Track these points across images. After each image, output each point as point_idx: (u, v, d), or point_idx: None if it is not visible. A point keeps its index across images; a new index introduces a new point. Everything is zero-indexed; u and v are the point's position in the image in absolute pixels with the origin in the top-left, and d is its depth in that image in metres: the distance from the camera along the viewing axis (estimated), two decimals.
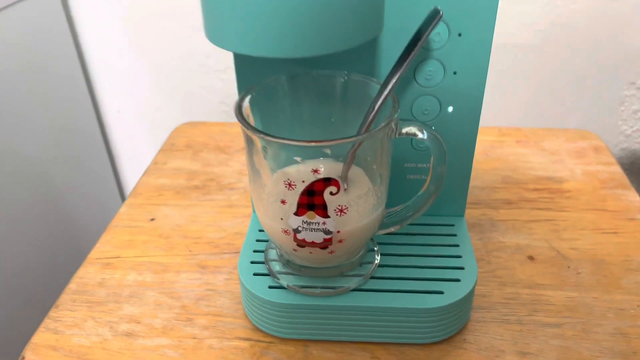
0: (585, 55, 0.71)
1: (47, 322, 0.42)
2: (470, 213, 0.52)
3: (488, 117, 0.68)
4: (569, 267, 0.46)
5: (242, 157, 0.62)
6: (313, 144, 0.30)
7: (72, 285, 0.45)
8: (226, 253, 0.48)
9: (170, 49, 0.79)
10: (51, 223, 0.75)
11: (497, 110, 0.76)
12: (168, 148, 0.65)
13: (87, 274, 0.47)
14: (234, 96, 0.82)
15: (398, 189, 0.43)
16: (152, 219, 0.53)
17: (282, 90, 0.38)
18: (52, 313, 0.43)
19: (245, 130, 0.33)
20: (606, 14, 0.67)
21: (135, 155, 0.91)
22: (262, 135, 0.31)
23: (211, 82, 0.81)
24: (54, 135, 0.76)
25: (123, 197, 0.96)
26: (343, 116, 0.39)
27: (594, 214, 0.52)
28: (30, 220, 0.71)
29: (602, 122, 0.76)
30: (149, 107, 0.85)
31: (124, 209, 0.55)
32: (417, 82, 0.39)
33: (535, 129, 0.66)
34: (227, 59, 0.79)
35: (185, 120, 0.78)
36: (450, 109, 0.40)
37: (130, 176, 0.94)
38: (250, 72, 0.39)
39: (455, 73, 0.38)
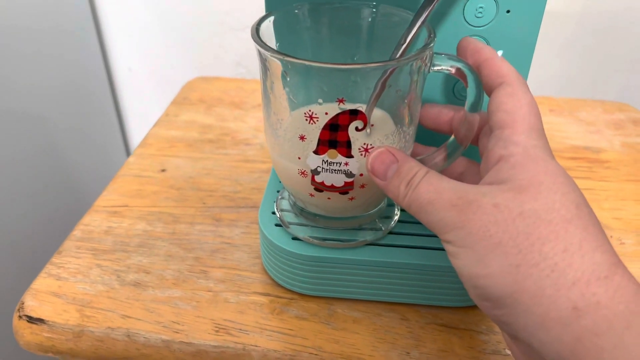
0: (624, 25, 0.67)
1: (49, 268, 0.39)
2: None
3: None
4: (611, 236, 0.42)
5: (259, 114, 0.59)
6: (338, 66, 0.27)
7: (77, 233, 0.42)
8: (243, 207, 0.45)
9: (187, 4, 0.76)
10: (54, 176, 0.72)
11: (530, 81, 0.72)
12: (180, 101, 0.61)
13: (92, 221, 0.43)
14: (252, 57, 0.79)
15: (429, 141, 0.39)
16: (163, 170, 0.49)
17: (304, 21, 0.34)
18: (55, 259, 0.40)
19: (263, 52, 0.29)
20: None
21: (144, 112, 0.87)
22: (281, 57, 0.28)
23: (228, 41, 0.78)
24: (61, 89, 0.72)
25: (129, 155, 0.93)
26: (367, 56, 0.36)
27: (636, 185, 0.48)
28: (33, 174, 0.67)
29: None
30: (162, 65, 0.82)
31: (132, 159, 0.51)
32: (465, 21, 0.35)
33: (570, 99, 0.62)
34: (246, 17, 0.75)
35: None
36: (500, 53, 0.36)
37: (138, 134, 0.91)
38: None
39: (508, 12, 0.35)
